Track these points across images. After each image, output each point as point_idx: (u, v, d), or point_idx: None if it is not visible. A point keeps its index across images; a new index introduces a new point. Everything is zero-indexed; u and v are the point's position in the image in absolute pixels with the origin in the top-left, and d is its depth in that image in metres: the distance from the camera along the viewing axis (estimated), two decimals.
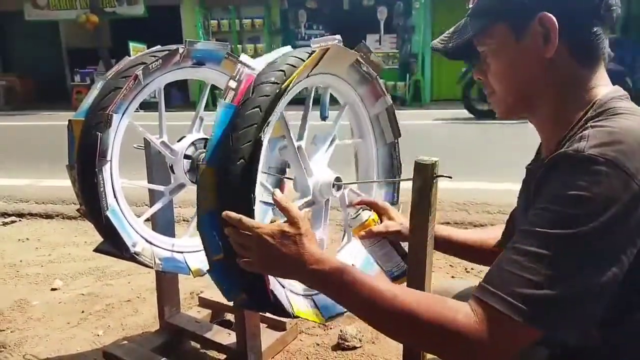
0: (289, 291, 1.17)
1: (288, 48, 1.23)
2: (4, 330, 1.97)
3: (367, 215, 1.14)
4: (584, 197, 0.66)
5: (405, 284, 1.01)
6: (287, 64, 1.04)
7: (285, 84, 1.01)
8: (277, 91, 1.00)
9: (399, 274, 1.13)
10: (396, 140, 1.45)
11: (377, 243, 1.14)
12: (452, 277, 2.35)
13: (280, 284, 1.15)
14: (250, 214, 0.95)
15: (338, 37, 1.15)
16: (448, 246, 1.18)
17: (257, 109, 0.98)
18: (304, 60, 1.05)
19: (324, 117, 1.40)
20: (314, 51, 1.07)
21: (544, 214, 0.69)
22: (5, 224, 3.38)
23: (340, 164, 1.37)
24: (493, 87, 0.90)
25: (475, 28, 0.87)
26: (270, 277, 1.07)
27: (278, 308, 1.08)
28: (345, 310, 1.24)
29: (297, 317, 1.13)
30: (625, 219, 0.66)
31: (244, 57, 1.10)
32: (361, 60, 1.25)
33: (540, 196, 0.72)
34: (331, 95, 1.38)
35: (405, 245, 1.11)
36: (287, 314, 1.10)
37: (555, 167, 0.71)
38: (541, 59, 0.81)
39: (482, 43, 0.88)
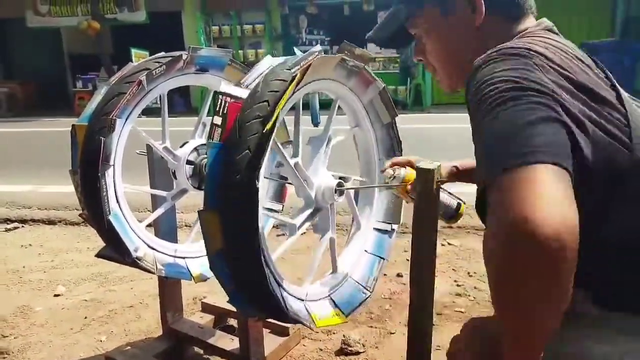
0: (308, 302, 1.18)
1: (268, 60, 1.16)
2: (7, 337, 1.97)
3: (404, 172, 1.17)
4: (496, 77, 0.68)
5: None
6: (270, 91, 0.99)
7: (271, 122, 0.96)
8: (264, 130, 0.96)
9: (452, 214, 1.20)
10: (393, 120, 1.45)
11: None
12: (455, 280, 2.34)
13: (298, 298, 1.16)
14: (259, 254, 0.97)
15: (318, 47, 1.14)
16: (456, 177, 1.20)
17: (247, 151, 0.95)
18: (286, 81, 1.01)
19: (316, 124, 1.40)
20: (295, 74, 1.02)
21: (476, 114, 0.70)
22: (8, 230, 3.38)
23: (341, 165, 1.37)
24: (434, 65, 0.95)
25: (404, 13, 0.92)
26: (286, 295, 1.10)
27: (299, 323, 1.11)
28: (364, 301, 1.29)
29: (319, 327, 1.15)
30: (538, 76, 0.67)
31: (224, 86, 1.03)
32: (346, 58, 1.24)
33: (470, 110, 0.74)
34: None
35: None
36: (309, 327, 1.13)
37: (467, 84, 0.75)
38: (472, 28, 0.86)
39: (414, 25, 0.94)
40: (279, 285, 1.09)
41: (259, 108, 0.98)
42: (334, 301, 1.25)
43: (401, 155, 1.48)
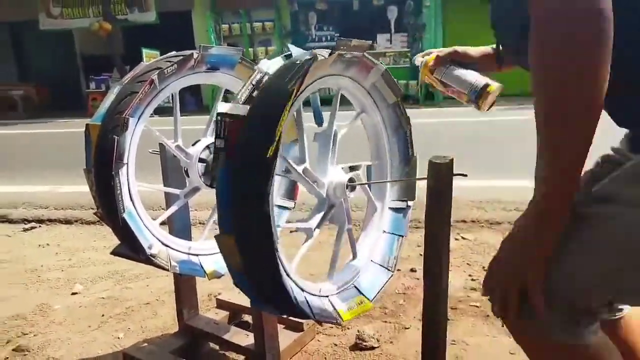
0: (331, 297, 1.19)
1: (263, 67, 1.09)
2: (27, 334, 2.01)
3: (429, 57, 1.27)
4: None
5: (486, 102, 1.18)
6: (268, 109, 0.95)
7: (273, 147, 0.92)
8: (268, 155, 0.91)
9: (479, 92, 1.20)
10: (398, 99, 1.41)
11: (446, 70, 1.23)
12: (469, 275, 2.33)
13: (321, 295, 1.17)
14: (278, 270, 0.97)
15: (310, 54, 1.10)
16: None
17: (253, 175, 0.93)
18: (283, 96, 0.96)
19: (319, 124, 1.40)
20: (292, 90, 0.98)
21: None
22: (25, 230, 3.44)
23: (347, 158, 1.37)
24: None
25: None
26: (310, 298, 1.10)
27: (327, 322, 1.12)
28: (385, 283, 1.31)
29: (347, 320, 1.16)
30: None
31: (221, 106, 0.97)
32: (342, 53, 1.18)
33: None
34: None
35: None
36: (337, 324, 1.15)
37: None
38: None
39: None
40: (302, 290, 1.10)
41: (259, 129, 0.94)
42: (357, 288, 1.25)
43: (410, 133, 1.47)
